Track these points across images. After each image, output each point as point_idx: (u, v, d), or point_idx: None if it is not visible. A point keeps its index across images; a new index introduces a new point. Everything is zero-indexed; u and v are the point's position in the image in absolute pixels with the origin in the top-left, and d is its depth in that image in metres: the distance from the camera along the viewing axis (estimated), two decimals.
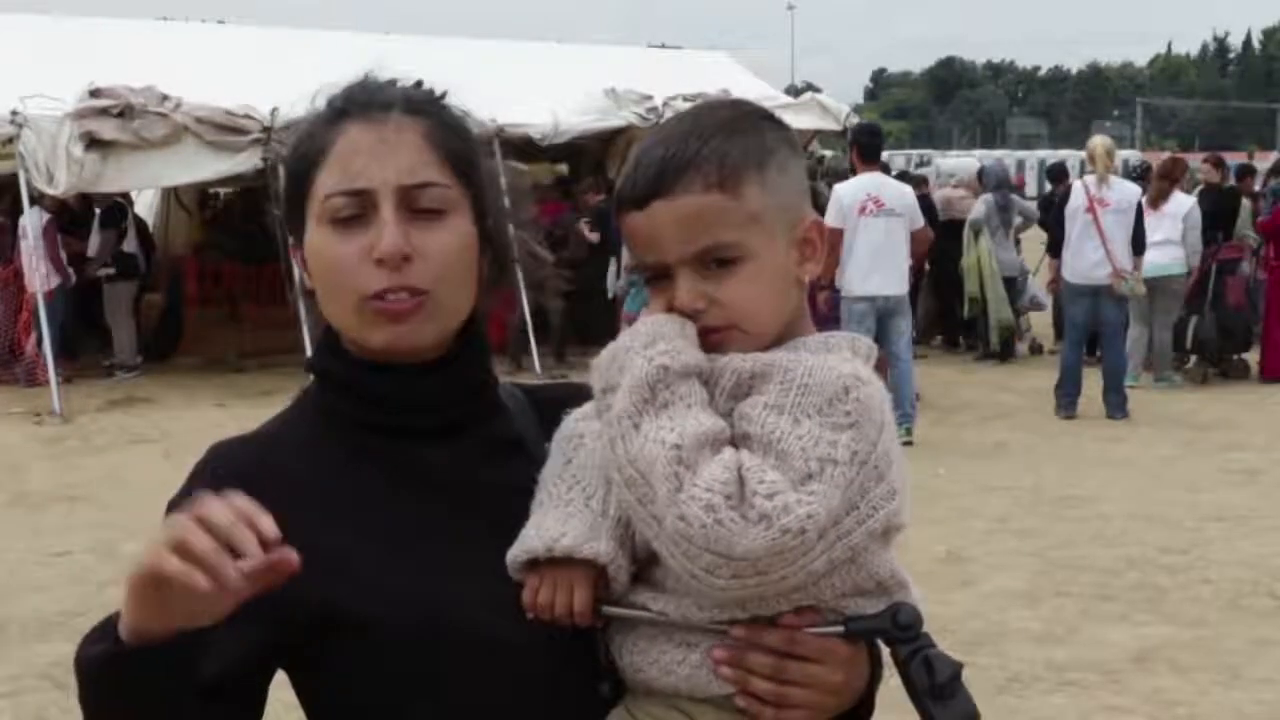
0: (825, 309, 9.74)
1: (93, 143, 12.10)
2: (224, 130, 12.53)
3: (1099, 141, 11.30)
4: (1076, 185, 11.42)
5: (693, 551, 1.28)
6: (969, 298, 13.98)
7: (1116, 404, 11.05)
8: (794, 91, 22.60)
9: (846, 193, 9.89)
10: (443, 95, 1.56)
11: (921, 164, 38.92)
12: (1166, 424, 10.90)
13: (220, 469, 1.50)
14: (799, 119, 15.04)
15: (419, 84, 1.56)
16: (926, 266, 14.14)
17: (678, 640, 1.40)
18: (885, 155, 12.39)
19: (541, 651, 1.42)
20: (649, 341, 1.36)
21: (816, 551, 1.29)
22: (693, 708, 1.41)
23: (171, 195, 16.95)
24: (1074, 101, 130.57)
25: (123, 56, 13.16)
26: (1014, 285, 14.00)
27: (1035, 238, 15.37)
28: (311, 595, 1.40)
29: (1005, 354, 14.18)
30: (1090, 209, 10.75)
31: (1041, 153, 54.83)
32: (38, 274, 12.35)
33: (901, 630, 1.38)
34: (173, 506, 1.47)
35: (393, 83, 1.54)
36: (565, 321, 13.60)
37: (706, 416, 1.33)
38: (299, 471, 1.50)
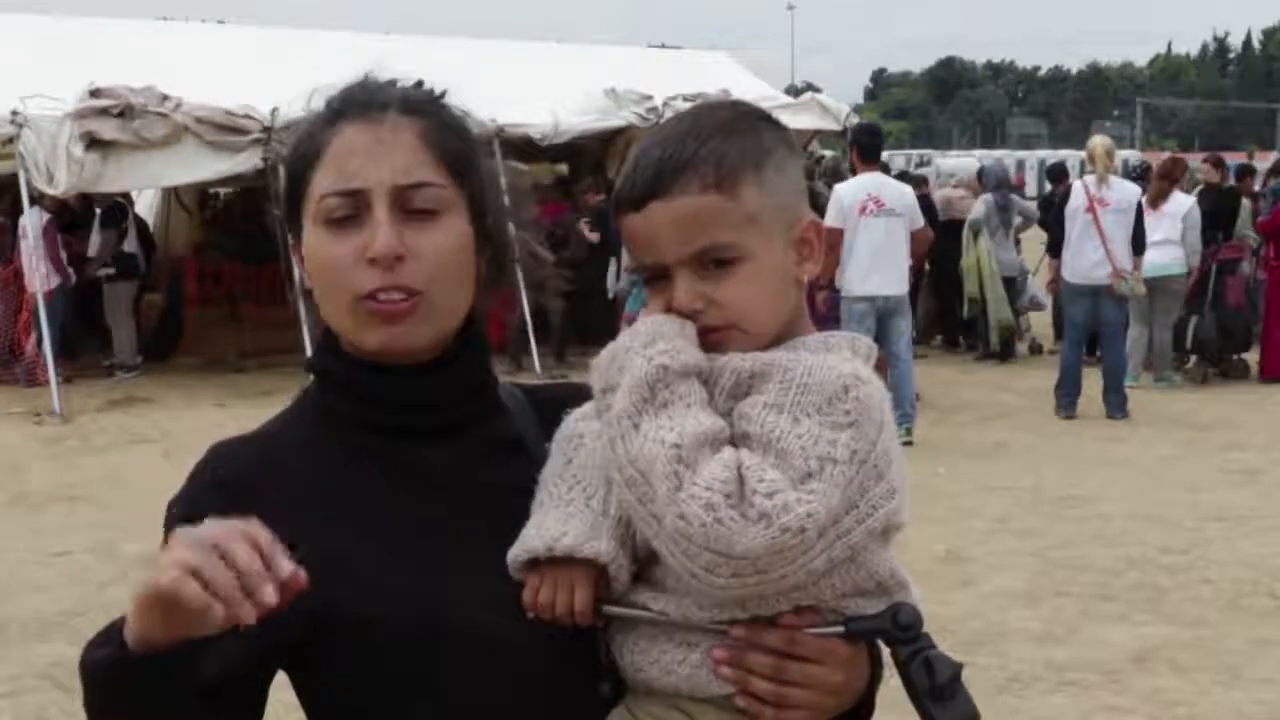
0: (824, 309, 9.75)
1: (93, 143, 12.10)
2: (224, 130, 12.53)
3: (1099, 141, 11.30)
4: (1076, 185, 11.42)
5: (692, 550, 1.28)
6: (968, 298, 13.98)
7: (1116, 404, 11.05)
8: (794, 91, 22.60)
9: (847, 193, 9.89)
10: (442, 95, 1.56)
11: (921, 164, 38.92)
12: (1166, 424, 10.90)
13: (220, 469, 1.50)
14: (799, 119, 15.05)
15: (419, 84, 1.56)
16: (926, 266, 14.14)
17: (678, 640, 1.40)
18: (885, 155, 12.39)
19: (542, 651, 1.42)
20: (648, 341, 1.36)
21: (816, 550, 1.29)
22: (693, 707, 1.41)
23: (171, 195, 16.95)
24: (1074, 101, 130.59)
25: (123, 56, 13.16)
26: (1014, 285, 14.00)
27: (1035, 238, 15.37)
28: (312, 595, 1.40)
29: (1005, 354, 14.18)
30: (1090, 209, 10.76)
31: (1041, 153, 54.83)
32: (38, 274, 12.35)
33: (902, 631, 1.38)
34: (173, 506, 1.48)
35: (393, 83, 1.54)
36: (565, 321, 13.60)
37: (706, 416, 1.33)
38: (299, 471, 1.50)
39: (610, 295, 13.64)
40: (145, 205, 16.68)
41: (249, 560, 1.21)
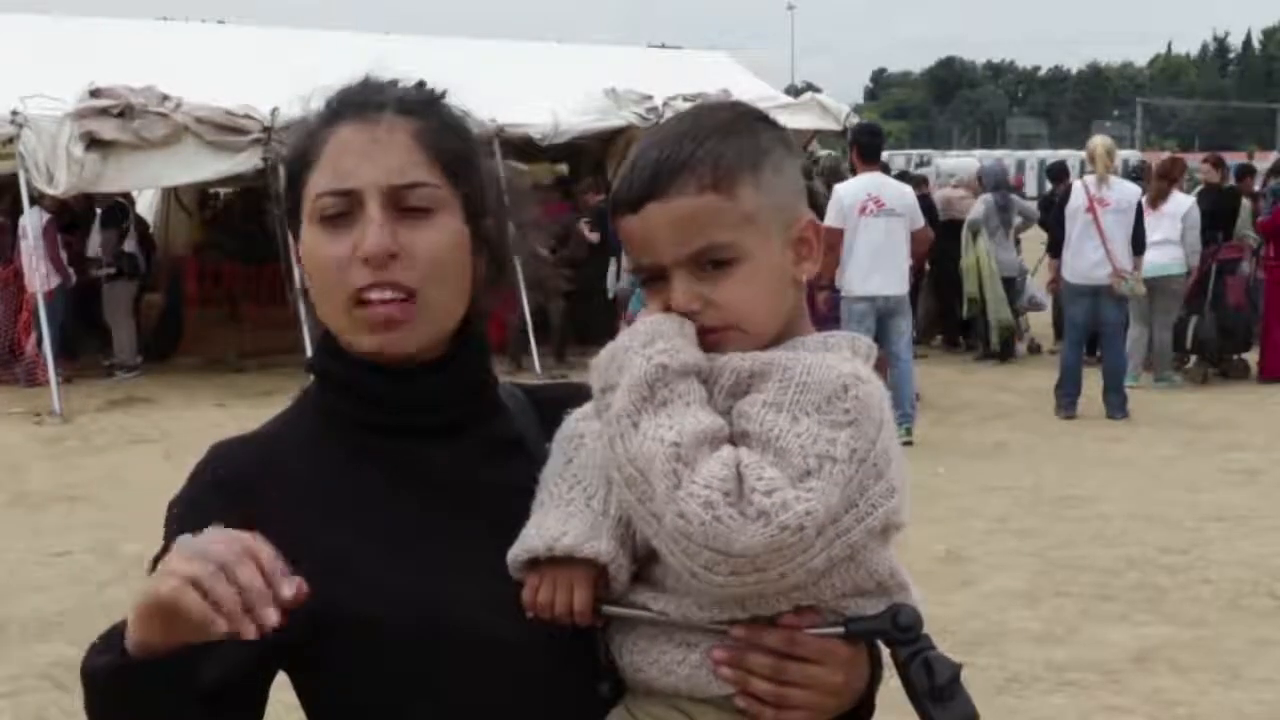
0: (824, 309, 9.74)
1: (93, 143, 12.10)
2: (224, 130, 12.53)
3: (1099, 141, 11.30)
4: (1076, 185, 11.42)
5: (691, 548, 1.28)
6: (968, 298, 13.98)
7: (1116, 404, 11.05)
8: (794, 91, 22.60)
9: (847, 193, 9.89)
10: (440, 96, 1.56)
11: (921, 164, 38.92)
12: (1166, 424, 10.90)
13: (221, 469, 1.51)
14: (799, 119, 15.05)
15: (421, 84, 1.56)
16: (927, 266, 14.13)
17: (678, 640, 1.40)
18: (885, 155, 12.38)
19: (541, 651, 1.43)
20: (648, 340, 1.36)
21: (816, 549, 1.29)
22: (692, 708, 1.41)
23: (171, 195, 16.96)
24: (1074, 101, 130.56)
25: (123, 56, 13.16)
26: (1013, 285, 14.00)
27: (1033, 238, 15.37)
28: (312, 595, 1.40)
29: (1005, 354, 14.18)
30: (1090, 209, 10.76)
31: (1041, 153, 54.84)
32: (38, 274, 12.35)
33: (901, 631, 1.38)
34: (173, 506, 1.48)
35: (393, 83, 1.54)
36: (565, 321, 13.61)
37: (705, 414, 1.33)
38: (299, 471, 1.50)
39: (610, 295, 13.64)
40: (145, 205, 16.68)
41: (251, 578, 1.21)
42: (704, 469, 1.28)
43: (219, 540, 1.24)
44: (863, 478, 1.32)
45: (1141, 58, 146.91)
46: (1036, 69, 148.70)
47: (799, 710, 1.39)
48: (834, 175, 12.78)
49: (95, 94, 12.29)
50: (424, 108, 1.52)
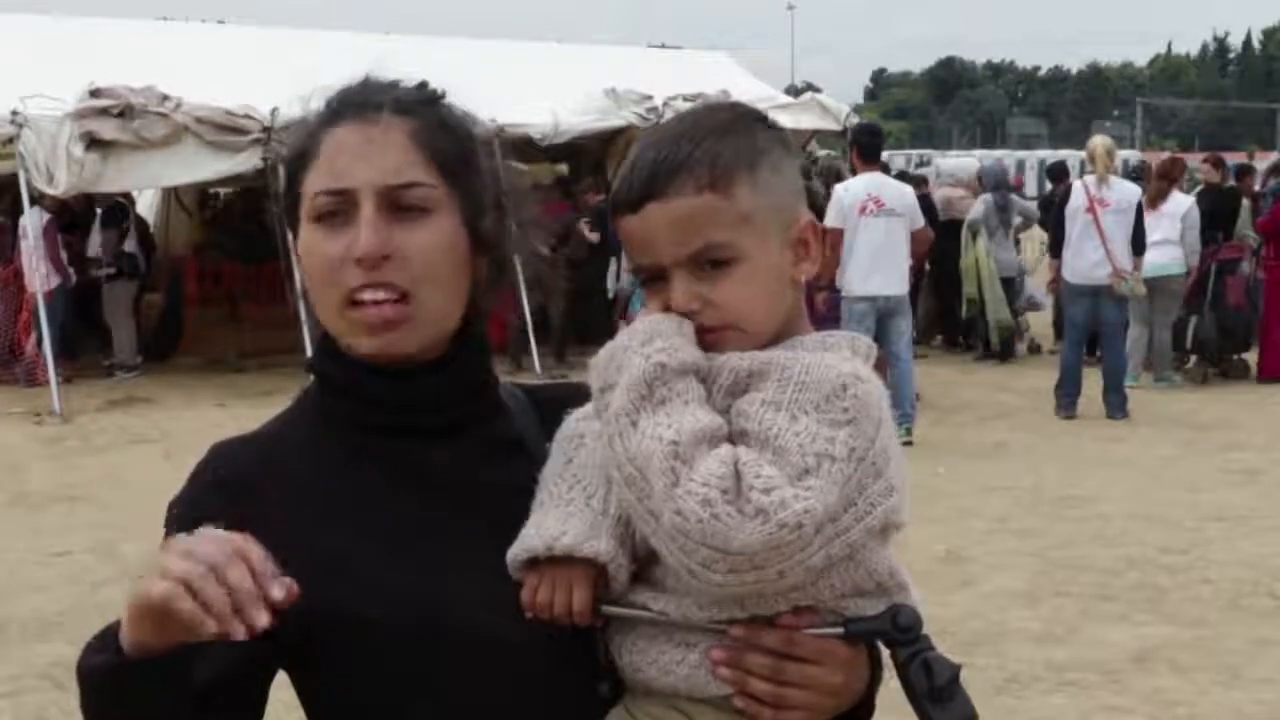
0: (824, 309, 9.74)
1: (93, 143, 12.10)
2: (224, 130, 12.53)
3: (1099, 141, 11.30)
4: (1076, 185, 11.42)
5: (689, 546, 1.28)
6: (967, 299, 13.98)
7: (1116, 404, 11.05)
8: (794, 91, 22.60)
9: (847, 193, 9.89)
10: (440, 95, 1.56)
11: (921, 164, 38.89)
12: (1166, 424, 10.90)
13: (221, 469, 1.51)
14: (799, 119, 15.06)
15: (423, 84, 1.56)
16: (927, 266, 14.13)
17: (677, 640, 1.40)
18: (885, 155, 12.39)
19: (541, 651, 1.43)
20: (646, 339, 1.37)
21: (814, 547, 1.29)
22: (691, 708, 1.41)
23: (171, 195, 16.96)
24: (1074, 101, 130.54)
25: (123, 56, 13.16)
26: (1013, 285, 13.99)
27: (1031, 238, 15.36)
28: (312, 595, 1.40)
29: (1005, 354, 14.18)
30: (1090, 209, 10.76)
31: (1041, 153, 54.79)
32: (38, 274, 12.35)
33: (901, 632, 1.38)
34: (173, 506, 1.48)
35: (393, 84, 1.54)
36: (565, 321, 13.61)
37: (704, 413, 1.33)
38: (299, 471, 1.50)
39: (610, 295, 13.64)
40: (145, 205, 16.68)
41: (241, 579, 1.22)
42: (702, 467, 1.28)
43: (210, 541, 1.24)
44: (861, 476, 1.32)
45: (1141, 58, 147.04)
46: (1036, 69, 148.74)
47: (797, 710, 1.39)
48: (834, 175, 12.78)
49: (95, 94, 12.29)
50: (422, 108, 1.52)
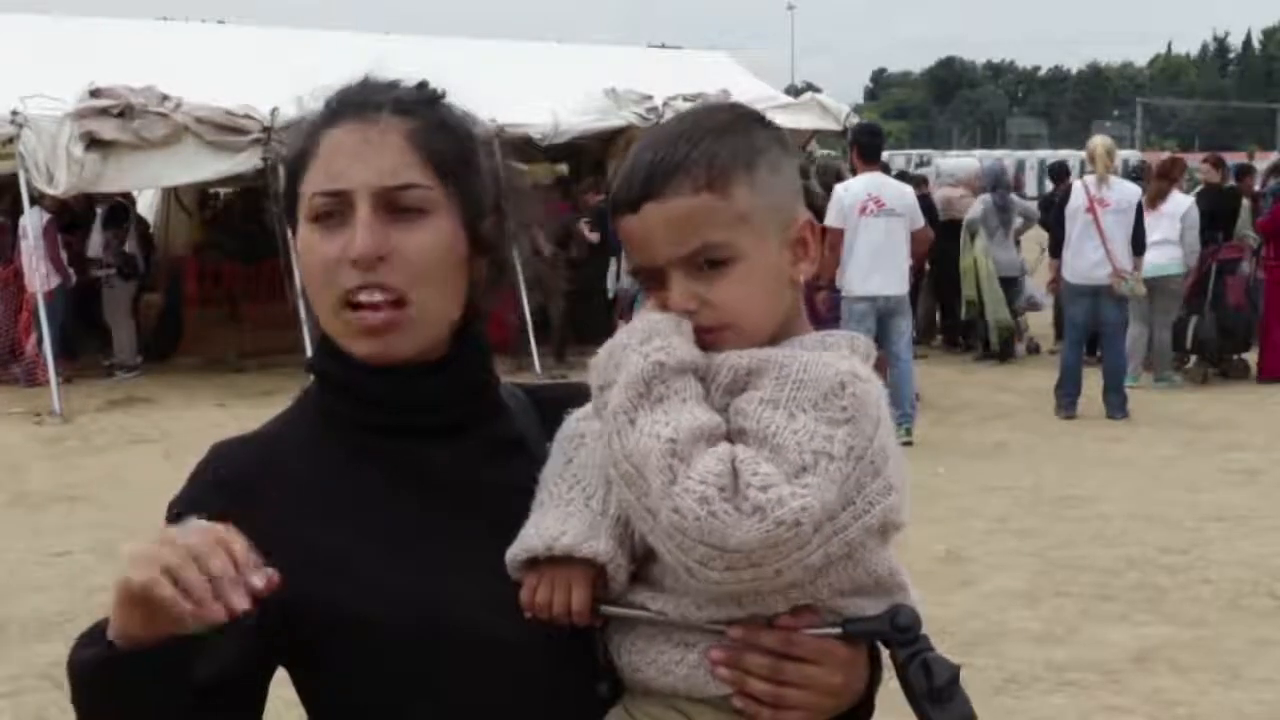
0: (824, 309, 9.74)
1: (93, 143, 12.10)
2: (224, 130, 12.53)
3: (1099, 141, 11.30)
4: (1076, 185, 11.42)
5: (687, 544, 1.28)
6: (965, 300, 13.97)
7: (1116, 404, 11.05)
8: (794, 91, 22.59)
9: (847, 193, 9.89)
10: (440, 95, 1.56)
11: (921, 164, 38.89)
12: (1166, 424, 10.90)
13: (221, 469, 1.51)
14: (799, 119, 15.06)
15: (423, 84, 1.56)
16: (927, 266, 14.13)
17: (676, 640, 1.40)
18: (885, 155, 12.39)
19: (541, 651, 1.43)
20: (645, 338, 1.37)
21: (812, 545, 1.29)
22: (690, 708, 1.41)
23: (171, 195, 16.96)
24: (1074, 101, 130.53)
25: (123, 56, 13.16)
26: (1013, 286, 13.99)
27: (1031, 238, 15.36)
28: (312, 595, 1.40)
29: (1005, 354, 14.17)
30: (1090, 209, 10.76)
31: (1041, 153, 54.79)
32: (38, 274, 12.35)
33: (900, 632, 1.38)
34: (174, 506, 1.48)
35: (393, 84, 1.54)
36: (565, 321, 13.61)
37: (702, 411, 1.33)
38: (300, 471, 1.51)
39: (610, 295, 13.64)
40: (145, 205, 16.69)
41: (222, 567, 1.23)
42: (699, 464, 1.28)
43: (193, 532, 1.25)
44: (860, 475, 1.32)
45: (1141, 58, 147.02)
46: (1036, 69, 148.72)
47: (796, 711, 1.39)
48: (833, 175, 12.78)
49: (95, 94, 12.29)
50: (421, 108, 1.52)
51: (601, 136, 15.01)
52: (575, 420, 1.51)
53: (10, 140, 12.11)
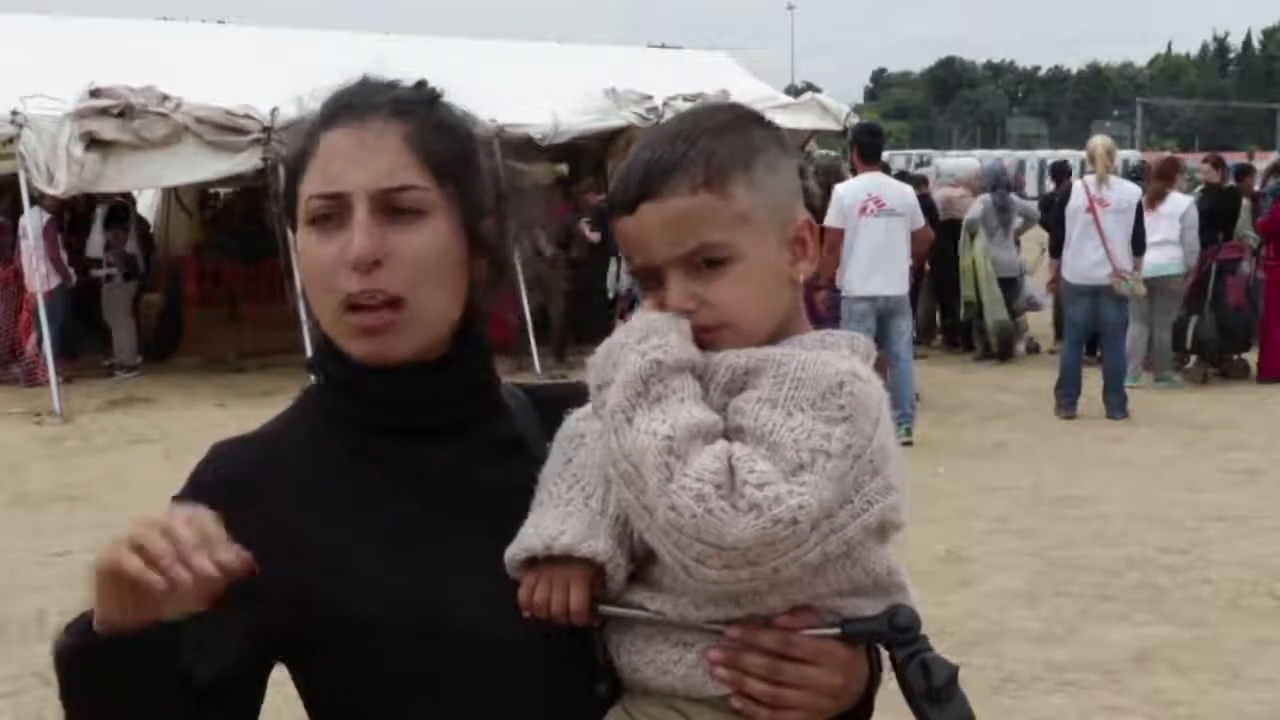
0: (824, 309, 9.74)
1: (93, 143, 12.11)
2: (224, 130, 12.53)
3: (1099, 141, 11.30)
4: (1076, 185, 11.42)
5: (683, 541, 1.28)
6: (964, 300, 13.97)
7: (1116, 404, 11.05)
8: (794, 91, 22.59)
9: (847, 193, 9.89)
10: (438, 96, 1.56)
11: (921, 164, 38.88)
12: (1166, 424, 10.90)
13: (221, 469, 1.51)
14: (799, 119, 15.06)
15: (421, 84, 1.56)
16: (927, 267, 14.13)
17: (674, 640, 1.40)
18: (885, 155, 12.39)
19: (540, 651, 1.43)
20: (643, 337, 1.37)
21: (810, 543, 1.29)
22: (689, 707, 1.41)
23: (171, 195, 16.96)
24: (1074, 101, 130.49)
25: (123, 56, 13.16)
26: (1013, 286, 13.98)
27: (1032, 238, 15.37)
28: (312, 595, 1.41)
29: (1005, 354, 14.17)
30: (1090, 209, 10.76)
31: (1041, 153, 54.77)
32: (38, 274, 12.36)
33: (899, 633, 1.38)
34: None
35: (391, 84, 1.54)
36: (565, 321, 13.61)
37: (699, 409, 1.33)
38: (300, 471, 1.51)
39: (610, 295, 13.65)
40: (145, 205, 16.70)
41: (188, 536, 1.26)
42: (696, 462, 1.28)
43: (167, 514, 1.29)
44: (858, 473, 1.32)
45: (1141, 58, 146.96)
46: (1036, 69, 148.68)
47: (794, 711, 1.39)
48: (832, 175, 12.78)
49: (95, 94, 12.29)
50: (419, 109, 1.52)
51: (601, 136, 15.01)
52: (575, 420, 1.51)
53: (10, 140, 12.11)
